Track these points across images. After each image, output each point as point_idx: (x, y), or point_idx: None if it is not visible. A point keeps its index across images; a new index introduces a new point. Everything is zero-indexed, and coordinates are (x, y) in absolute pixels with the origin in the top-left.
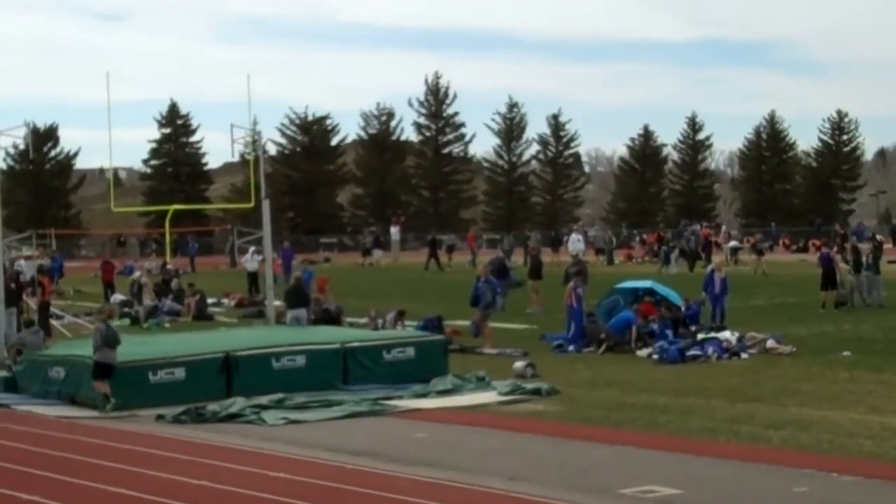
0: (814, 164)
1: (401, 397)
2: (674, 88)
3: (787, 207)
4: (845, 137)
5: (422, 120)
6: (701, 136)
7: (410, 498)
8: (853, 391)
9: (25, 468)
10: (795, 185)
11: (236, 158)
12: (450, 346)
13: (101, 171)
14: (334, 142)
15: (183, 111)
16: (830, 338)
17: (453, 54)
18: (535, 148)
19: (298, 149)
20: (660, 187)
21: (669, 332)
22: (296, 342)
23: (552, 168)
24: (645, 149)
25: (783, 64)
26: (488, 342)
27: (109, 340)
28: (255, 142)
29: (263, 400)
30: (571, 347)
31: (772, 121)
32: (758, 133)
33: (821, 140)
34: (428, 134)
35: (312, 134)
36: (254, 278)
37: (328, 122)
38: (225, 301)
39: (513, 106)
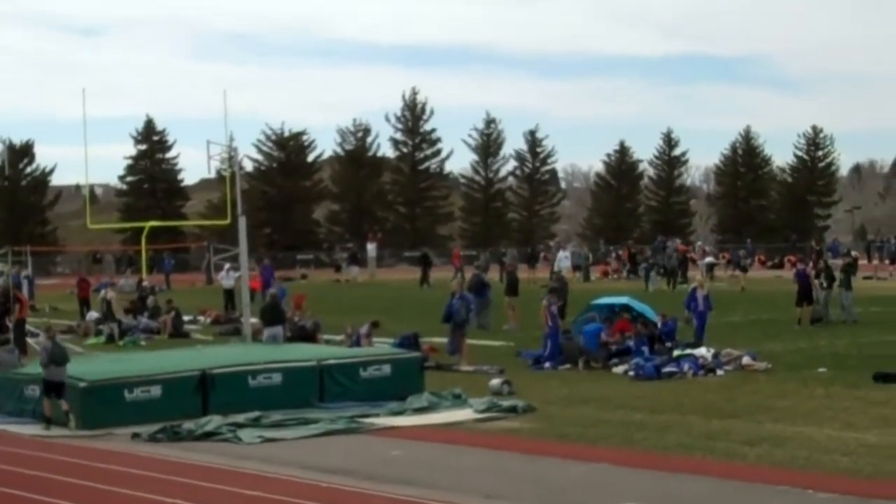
0: (789, 179)
1: (377, 415)
2: (649, 104)
3: (762, 223)
4: (820, 153)
5: (398, 136)
6: (677, 151)
7: None
8: (829, 407)
9: (0, 488)
10: (771, 201)
11: (213, 175)
12: (426, 364)
13: (78, 187)
14: (311, 158)
15: (159, 127)
16: (806, 354)
17: (430, 70)
18: (511, 164)
19: (275, 165)
20: (636, 203)
21: (645, 349)
22: (272, 360)
23: (529, 184)
24: (621, 165)
25: (758, 80)
26: (464, 359)
27: (56, 358)
28: (231, 158)
29: (240, 418)
30: (548, 364)
31: (747, 136)
32: (733, 149)
33: (796, 156)
34: (405, 150)
35: (289, 150)
36: (230, 295)
37: (305, 137)
38: (201, 318)
39: (490, 122)
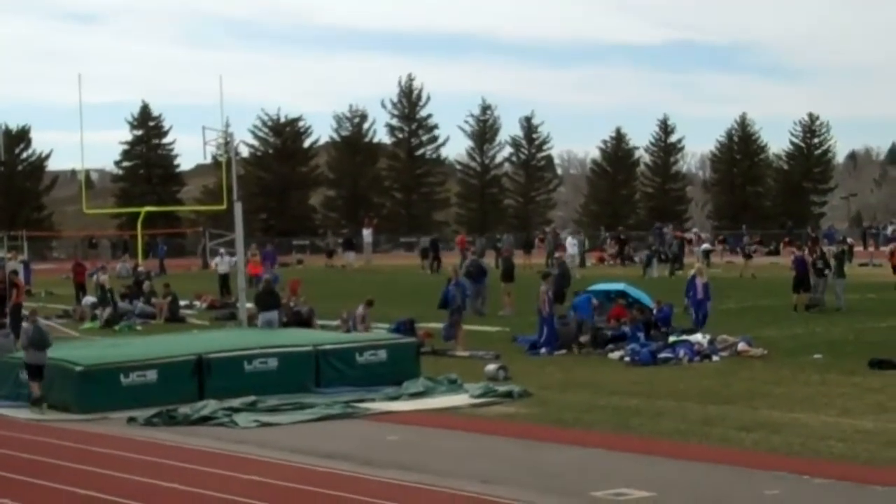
0: (785, 166)
1: (373, 400)
2: (646, 91)
3: (758, 210)
4: (816, 140)
5: (395, 122)
6: (673, 138)
7: (382, 501)
8: (825, 394)
9: None
10: (767, 188)
11: (208, 160)
12: (422, 349)
13: (74, 172)
14: (307, 144)
15: (155, 113)
16: (802, 340)
17: (426, 57)
18: (507, 150)
19: (271, 151)
20: (632, 190)
21: (641, 335)
22: (268, 345)
23: (525, 170)
24: (617, 151)
25: (755, 67)
26: (460, 345)
27: (35, 341)
28: (227, 144)
29: (235, 402)
30: (543, 350)
31: (743, 124)
32: (729, 136)
33: (792, 143)
34: (401, 136)
35: (285, 136)
36: (225, 280)
37: (301, 124)
38: (197, 303)
39: (486, 108)
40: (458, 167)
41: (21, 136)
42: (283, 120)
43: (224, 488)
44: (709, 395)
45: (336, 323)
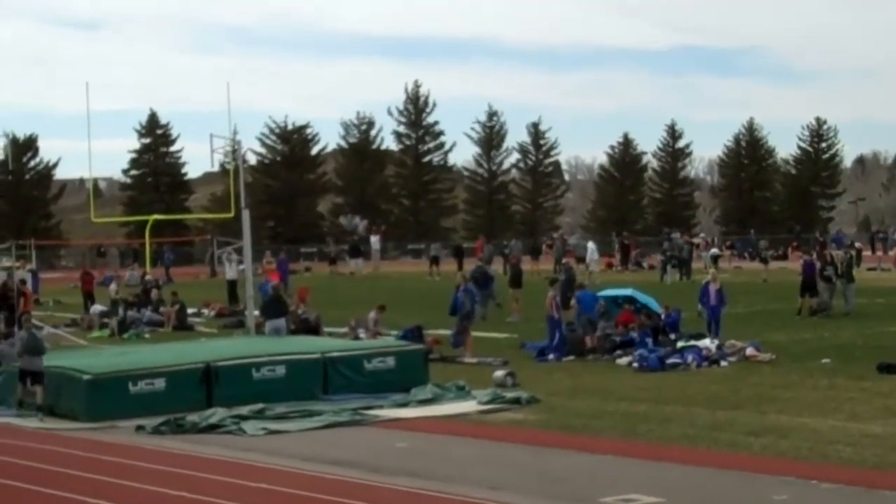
0: (793, 171)
1: (381, 407)
2: (653, 96)
3: (766, 215)
4: (824, 145)
5: (402, 129)
6: (680, 143)
7: None
8: (833, 398)
9: (4, 480)
10: (775, 193)
11: (216, 168)
12: (430, 356)
13: (81, 181)
14: (314, 151)
15: (162, 121)
16: (810, 345)
17: (433, 63)
18: (515, 156)
19: (278, 158)
20: (639, 195)
21: (649, 341)
22: (276, 352)
23: (532, 176)
24: (624, 157)
25: (762, 71)
26: (468, 351)
27: (29, 348)
28: (235, 151)
29: (244, 410)
30: (552, 356)
31: (750, 128)
32: (737, 141)
33: (800, 147)
34: (408, 143)
35: (292, 143)
36: (233, 286)
37: (308, 131)
38: (205, 311)
39: (492, 114)
40: (465, 174)
41: (29, 145)
42: (290, 127)
43: (232, 496)
44: (717, 400)
45: (344, 330)
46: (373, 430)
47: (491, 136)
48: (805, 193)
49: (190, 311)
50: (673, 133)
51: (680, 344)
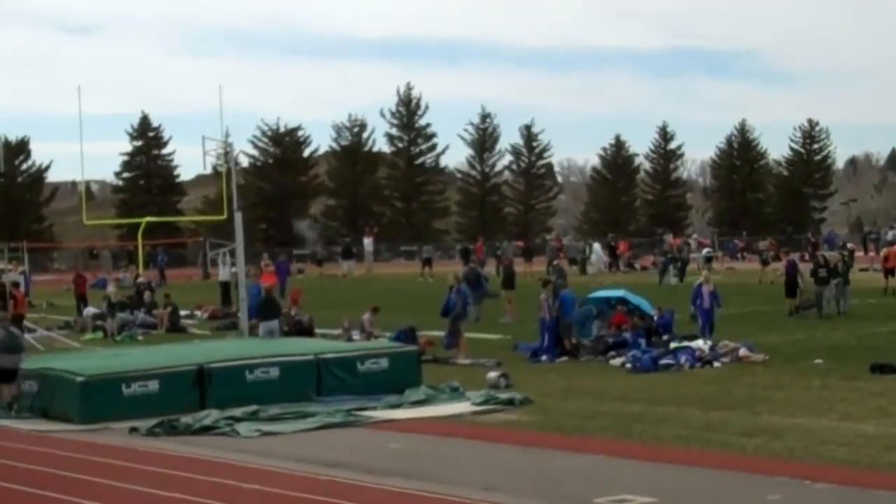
0: (785, 172)
1: (374, 408)
2: (645, 98)
3: (758, 216)
4: (816, 146)
5: (394, 131)
6: (672, 145)
7: None
8: (826, 399)
9: None
10: (767, 194)
11: (209, 170)
12: (423, 357)
13: (74, 183)
14: (306, 153)
15: (154, 123)
16: (802, 346)
17: (425, 65)
18: (507, 158)
19: (271, 160)
20: (632, 197)
21: (642, 342)
22: (269, 354)
23: (525, 178)
24: (617, 158)
25: (754, 73)
26: (462, 352)
27: (8, 346)
28: (227, 154)
29: (237, 412)
30: (545, 357)
31: (743, 130)
32: (729, 142)
33: (792, 149)
34: (400, 145)
35: (284, 146)
36: (226, 288)
37: (300, 133)
38: (198, 313)
39: (485, 117)
40: (457, 175)
41: (21, 148)
42: (282, 129)
43: (226, 498)
44: (710, 400)
45: (337, 332)
46: (366, 431)
47: (484, 138)
48: (797, 195)
49: (183, 313)
50: (665, 134)
51: (673, 345)
